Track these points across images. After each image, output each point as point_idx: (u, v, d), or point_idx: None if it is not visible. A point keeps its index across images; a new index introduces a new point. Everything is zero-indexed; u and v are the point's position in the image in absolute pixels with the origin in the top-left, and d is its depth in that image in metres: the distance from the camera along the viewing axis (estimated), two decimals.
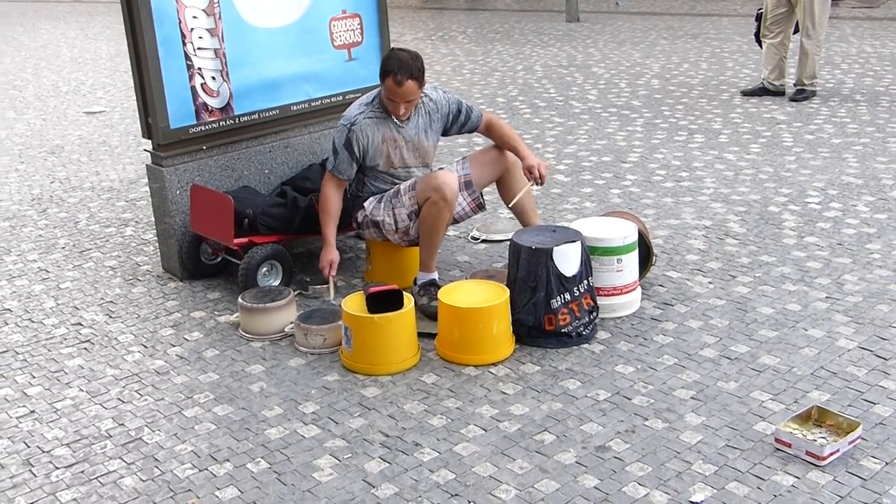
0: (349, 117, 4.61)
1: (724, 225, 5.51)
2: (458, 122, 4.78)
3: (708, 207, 5.81)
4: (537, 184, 4.71)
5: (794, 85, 8.51)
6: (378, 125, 4.59)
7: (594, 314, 4.25)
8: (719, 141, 7.23)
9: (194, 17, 4.83)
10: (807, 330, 4.19)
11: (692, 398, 3.69)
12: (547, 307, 4.12)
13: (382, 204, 4.67)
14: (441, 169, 4.65)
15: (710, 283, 4.74)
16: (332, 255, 4.65)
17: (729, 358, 4.00)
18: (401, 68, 4.38)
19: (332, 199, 4.65)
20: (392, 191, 4.69)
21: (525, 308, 4.15)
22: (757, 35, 8.72)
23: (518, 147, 4.78)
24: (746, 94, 8.65)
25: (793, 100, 8.32)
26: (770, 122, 7.71)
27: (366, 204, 4.74)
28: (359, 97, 4.82)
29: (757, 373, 3.86)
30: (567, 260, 4.13)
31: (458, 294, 4.16)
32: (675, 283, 4.75)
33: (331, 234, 4.67)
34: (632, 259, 4.42)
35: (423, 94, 4.65)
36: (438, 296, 4.13)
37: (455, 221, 4.92)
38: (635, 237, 4.42)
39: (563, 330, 4.14)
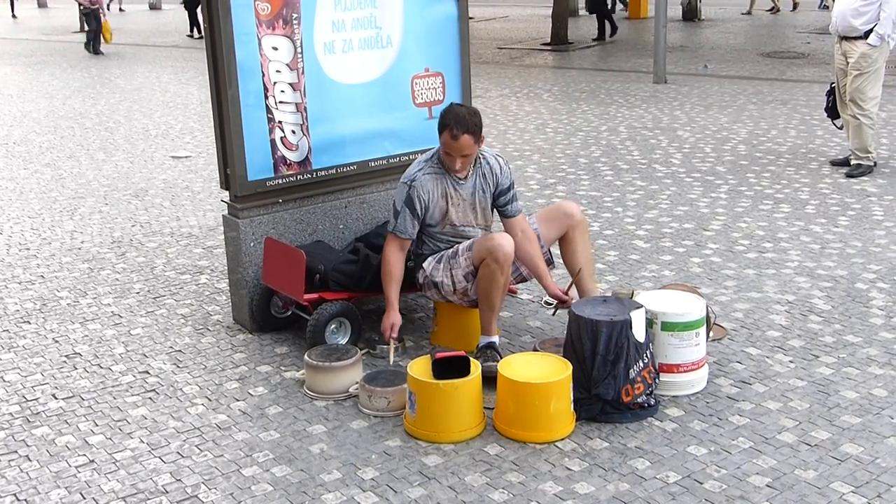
0: (409, 175, 4.60)
1: (808, 301, 5.31)
2: (498, 200, 4.72)
3: (792, 281, 5.62)
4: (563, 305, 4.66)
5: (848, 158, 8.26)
6: (437, 181, 4.57)
7: (657, 380, 4.18)
8: (806, 212, 7.03)
9: (278, 70, 4.85)
10: (893, 418, 3.99)
11: (767, 486, 3.53)
12: (626, 378, 4.02)
13: (441, 264, 4.63)
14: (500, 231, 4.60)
15: (791, 361, 4.56)
16: (394, 317, 4.59)
17: (808, 444, 3.82)
18: (457, 123, 4.38)
19: (394, 261, 4.60)
20: (451, 251, 4.65)
21: (605, 382, 4.01)
22: (827, 109, 8.47)
23: (535, 268, 4.71)
24: (836, 164, 8.40)
25: (850, 176, 8.00)
26: (860, 194, 7.47)
27: (425, 264, 4.70)
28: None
29: (838, 462, 3.68)
30: (639, 326, 4.05)
31: (518, 366, 4.03)
32: (755, 361, 4.58)
33: (394, 297, 4.61)
34: (704, 331, 4.31)
35: (482, 156, 4.63)
36: (498, 367, 4.03)
37: (523, 280, 4.88)
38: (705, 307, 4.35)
39: (638, 399, 4.03)
